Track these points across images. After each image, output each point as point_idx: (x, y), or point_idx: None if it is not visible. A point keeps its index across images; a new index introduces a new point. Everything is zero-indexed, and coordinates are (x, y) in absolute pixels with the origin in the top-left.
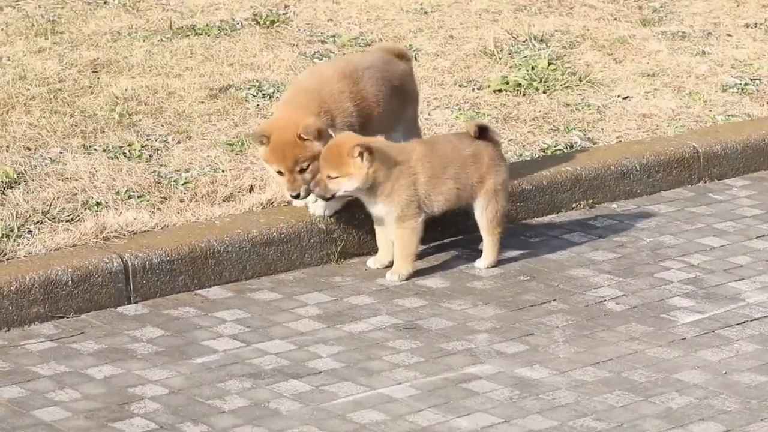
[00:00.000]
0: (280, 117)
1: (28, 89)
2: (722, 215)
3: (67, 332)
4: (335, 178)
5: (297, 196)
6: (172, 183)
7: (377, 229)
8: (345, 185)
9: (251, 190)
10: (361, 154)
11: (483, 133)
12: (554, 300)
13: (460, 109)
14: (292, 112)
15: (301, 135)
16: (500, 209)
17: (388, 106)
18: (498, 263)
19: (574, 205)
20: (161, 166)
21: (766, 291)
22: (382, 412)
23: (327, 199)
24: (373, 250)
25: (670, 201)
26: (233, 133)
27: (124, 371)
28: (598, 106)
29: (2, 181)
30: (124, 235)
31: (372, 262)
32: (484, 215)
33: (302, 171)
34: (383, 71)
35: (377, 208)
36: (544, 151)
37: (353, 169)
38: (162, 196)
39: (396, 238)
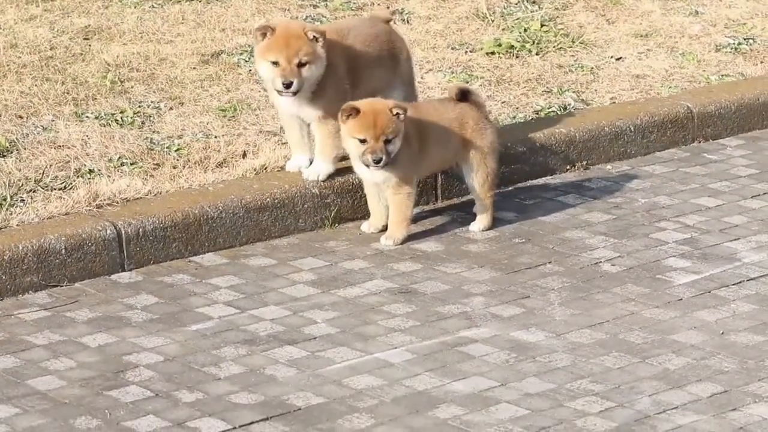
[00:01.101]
0: None
1: (20, 57)
2: (717, 175)
3: (61, 301)
4: (392, 140)
5: (289, 85)
6: (165, 149)
7: (369, 193)
8: (397, 145)
9: (244, 155)
10: (398, 115)
11: (465, 96)
12: (549, 262)
13: (452, 72)
14: None
15: (307, 32)
16: (490, 172)
17: (377, 62)
18: (492, 226)
19: (568, 167)
20: (154, 132)
21: (761, 250)
22: (379, 377)
23: (386, 165)
24: (367, 214)
25: (665, 162)
26: (225, 99)
27: (118, 339)
28: (592, 68)
29: None
30: (117, 202)
31: (366, 227)
32: (475, 179)
33: (300, 65)
34: (368, 29)
35: (377, 174)
36: (537, 113)
37: (399, 129)
38: (155, 162)
39: (392, 204)
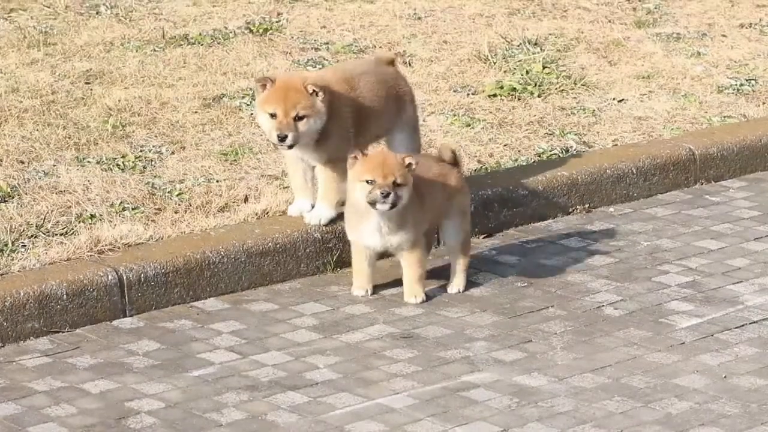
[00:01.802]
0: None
1: (21, 101)
2: (719, 217)
3: (63, 347)
4: (401, 185)
5: (284, 139)
6: (167, 194)
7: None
8: (407, 193)
9: (246, 200)
10: (409, 165)
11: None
12: (552, 306)
13: (455, 115)
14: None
15: (307, 86)
16: (468, 230)
17: (385, 108)
18: (493, 271)
19: (570, 210)
20: (155, 177)
21: (764, 293)
22: (381, 422)
23: (393, 206)
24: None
25: (667, 204)
26: (227, 143)
27: (120, 385)
28: (594, 110)
29: None
30: (119, 247)
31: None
32: (456, 238)
33: (297, 119)
34: (377, 75)
35: (393, 239)
36: (539, 156)
37: (409, 179)
38: (156, 207)
39: (410, 263)
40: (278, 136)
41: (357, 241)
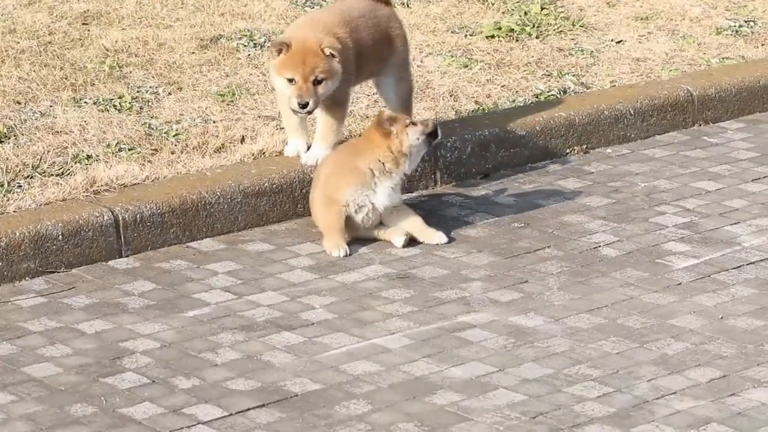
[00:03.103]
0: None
1: (18, 42)
2: (717, 159)
3: (58, 287)
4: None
5: (305, 106)
6: (163, 135)
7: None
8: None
9: (243, 140)
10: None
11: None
12: (548, 247)
13: (452, 56)
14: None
15: (324, 48)
16: None
17: (378, 50)
18: (489, 212)
19: (567, 151)
20: (152, 117)
21: (761, 234)
22: (376, 362)
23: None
24: None
25: (665, 145)
26: (224, 84)
27: (115, 326)
28: (592, 51)
29: None
30: (115, 188)
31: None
32: None
33: (316, 83)
34: (372, 18)
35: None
36: (537, 97)
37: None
38: (153, 148)
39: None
40: (299, 104)
41: (355, 201)
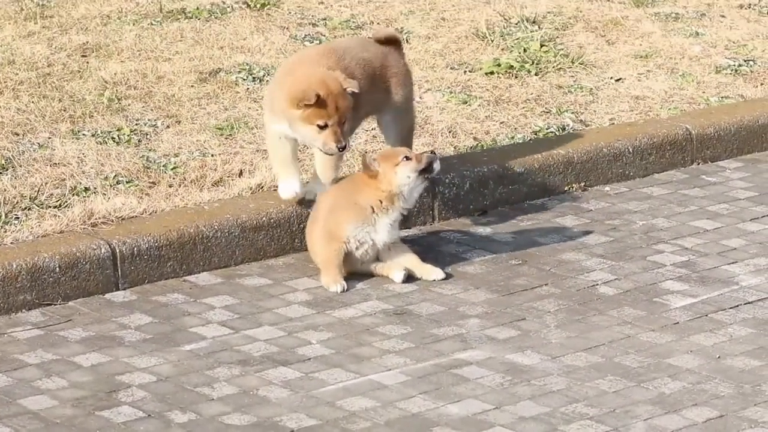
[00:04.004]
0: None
1: (17, 74)
2: (715, 197)
3: (55, 320)
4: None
5: (344, 147)
6: (161, 168)
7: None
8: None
9: (241, 174)
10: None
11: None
12: (546, 284)
13: (451, 92)
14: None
15: (347, 89)
16: None
17: (371, 90)
18: (487, 248)
19: (566, 188)
20: (150, 150)
21: (759, 274)
22: (372, 398)
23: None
24: None
25: (663, 183)
26: (223, 117)
27: (111, 359)
28: (591, 88)
29: None
30: (112, 221)
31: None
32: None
33: (343, 123)
34: (365, 57)
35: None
36: (536, 134)
37: None
38: (151, 181)
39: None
40: (338, 148)
41: (356, 237)
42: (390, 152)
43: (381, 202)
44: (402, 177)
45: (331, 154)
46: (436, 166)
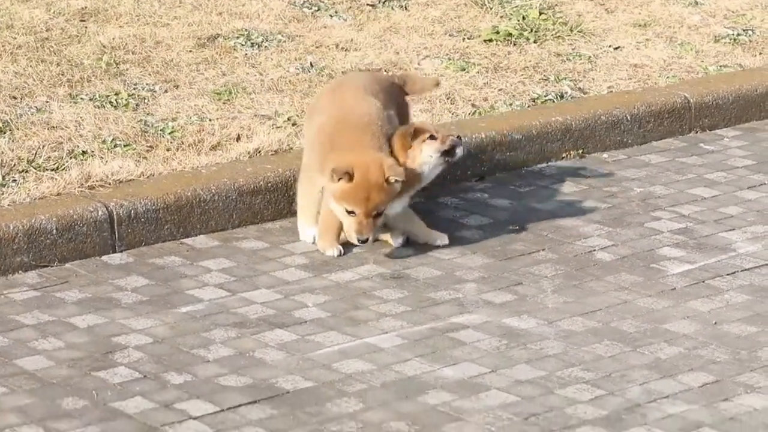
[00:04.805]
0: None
1: (15, 38)
2: (713, 166)
3: (51, 281)
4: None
5: (365, 241)
6: (159, 132)
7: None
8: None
9: (238, 139)
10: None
11: None
12: (543, 250)
13: (450, 59)
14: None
15: (389, 178)
16: None
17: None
18: (485, 214)
19: (564, 155)
20: (148, 115)
21: (756, 241)
22: (369, 361)
23: None
24: None
25: (661, 151)
26: (221, 82)
27: (108, 320)
28: (589, 56)
29: None
30: (110, 184)
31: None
32: None
33: (376, 216)
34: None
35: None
36: (534, 101)
37: None
38: (148, 145)
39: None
40: (359, 240)
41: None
42: (420, 127)
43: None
44: (425, 155)
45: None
46: (459, 151)
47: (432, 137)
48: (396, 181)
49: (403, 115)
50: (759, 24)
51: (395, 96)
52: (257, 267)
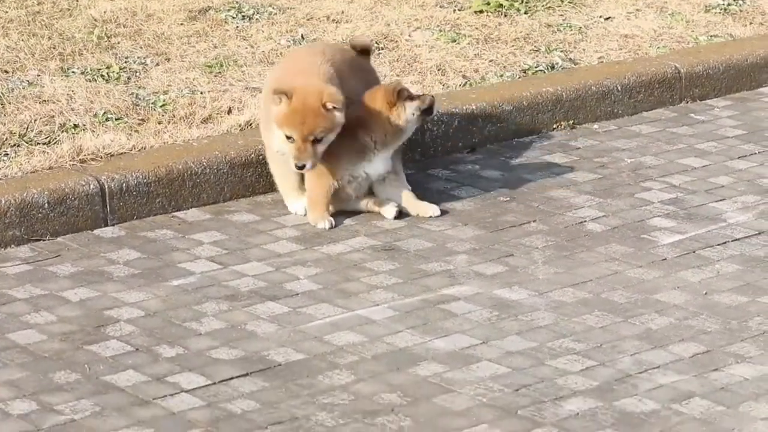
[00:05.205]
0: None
1: (6, 12)
2: (704, 136)
3: (43, 255)
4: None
5: (302, 167)
6: (150, 105)
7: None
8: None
9: (230, 111)
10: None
11: None
12: (534, 221)
13: (440, 30)
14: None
15: (326, 104)
16: None
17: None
18: (475, 185)
19: (554, 126)
20: (139, 88)
21: (747, 211)
22: (360, 333)
23: None
24: None
25: (652, 121)
26: (212, 55)
27: (100, 294)
28: (580, 27)
29: None
30: (101, 157)
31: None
32: None
33: (315, 142)
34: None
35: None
36: (525, 72)
37: None
38: (140, 118)
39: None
40: (296, 165)
41: (350, 172)
42: (400, 87)
43: (386, 136)
44: (409, 112)
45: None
46: (436, 108)
47: (410, 97)
48: (334, 108)
49: (371, 81)
50: None
51: (355, 62)
52: (249, 240)
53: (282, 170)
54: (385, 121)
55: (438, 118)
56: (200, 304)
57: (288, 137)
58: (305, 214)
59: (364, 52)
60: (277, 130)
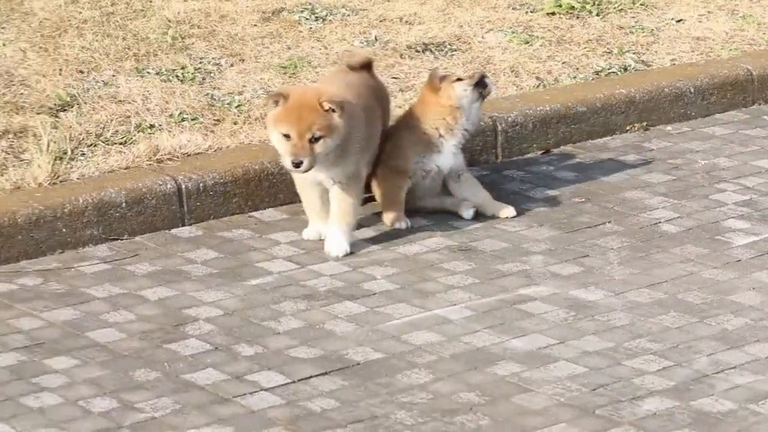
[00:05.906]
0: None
1: (81, 12)
2: None
3: (121, 254)
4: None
5: (299, 165)
6: (226, 105)
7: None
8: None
9: None
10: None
11: None
12: (609, 222)
13: (513, 32)
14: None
15: (323, 102)
16: None
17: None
18: (550, 186)
19: (628, 128)
20: (214, 88)
21: None
22: (438, 333)
23: None
24: None
25: (725, 123)
26: (286, 56)
27: (178, 293)
28: (652, 29)
29: (55, 104)
30: (178, 157)
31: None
32: None
33: (313, 140)
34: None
35: None
36: (597, 74)
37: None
38: (215, 118)
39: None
40: (293, 162)
41: (422, 166)
42: (444, 74)
43: (445, 120)
44: (459, 90)
45: (289, 170)
46: (488, 81)
47: (459, 79)
48: (331, 108)
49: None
50: None
51: (375, 93)
52: None
53: (303, 190)
54: (438, 106)
55: (512, 119)
56: (278, 304)
57: (285, 135)
58: (317, 238)
59: (366, 67)
60: (273, 133)
